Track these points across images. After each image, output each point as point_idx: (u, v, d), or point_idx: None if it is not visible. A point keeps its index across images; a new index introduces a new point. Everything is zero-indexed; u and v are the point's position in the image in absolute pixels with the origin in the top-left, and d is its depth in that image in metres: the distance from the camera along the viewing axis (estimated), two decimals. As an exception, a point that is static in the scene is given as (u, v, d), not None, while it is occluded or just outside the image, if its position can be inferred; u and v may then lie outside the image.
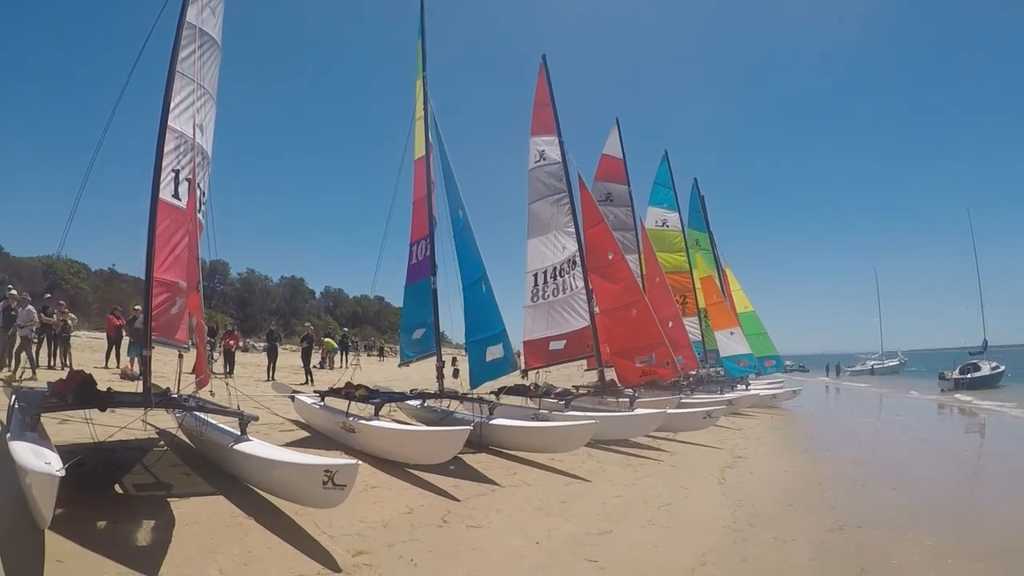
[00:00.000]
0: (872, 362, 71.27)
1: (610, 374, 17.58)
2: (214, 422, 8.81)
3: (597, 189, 22.70)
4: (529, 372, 17.19)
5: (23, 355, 17.16)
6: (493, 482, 9.18)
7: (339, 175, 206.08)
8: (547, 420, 12.71)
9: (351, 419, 10.79)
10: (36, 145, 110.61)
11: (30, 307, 17.56)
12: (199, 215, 9.30)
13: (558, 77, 19.11)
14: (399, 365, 14.91)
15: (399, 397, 12.61)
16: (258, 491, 7.36)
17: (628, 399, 15.38)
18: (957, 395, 34.74)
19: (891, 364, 69.90)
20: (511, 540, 6.70)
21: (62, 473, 4.98)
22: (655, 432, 13.74)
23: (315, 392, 13.51)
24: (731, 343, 27.45)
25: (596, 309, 17.07)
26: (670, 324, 19.40)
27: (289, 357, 30.75)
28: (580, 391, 16.41)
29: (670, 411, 14.46)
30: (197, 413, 8.59)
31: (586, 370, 19.29)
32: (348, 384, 12.50)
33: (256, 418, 8.48)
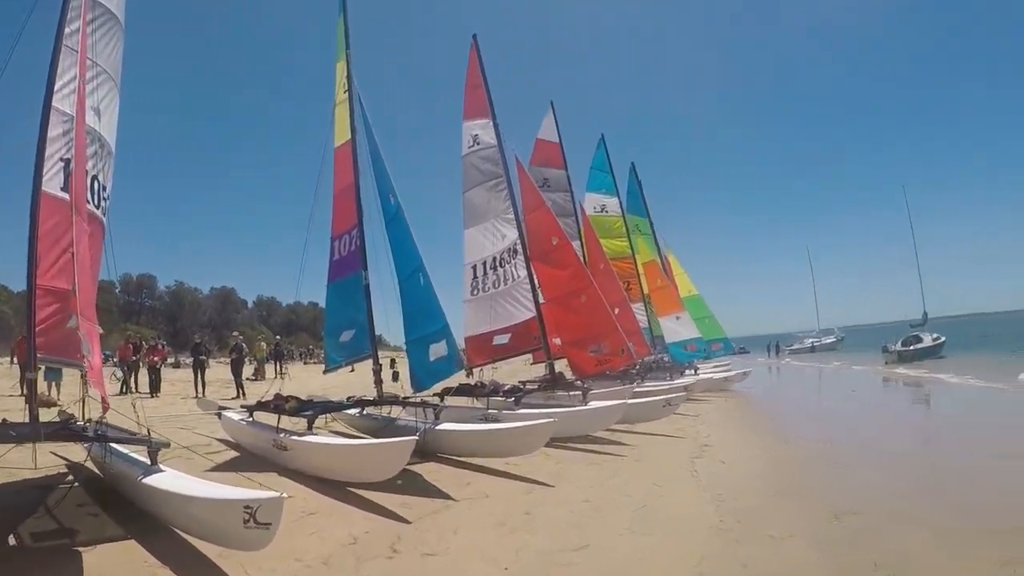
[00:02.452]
0: (811, 340, 72.19)
1: (558, 366, 16.66)
2: (123, 450, 7.53)
3: (533, 175, 21.61)
4: (473, 370, 16.14)
5: None
6: (446, 495, 8.15)
7: (263, 177, 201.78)
8: (497, 420, 11.73)
9: (282, 435, 9.71)
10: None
11: None
12: (99, 212, 8.12)
13: (491, 59, 18.22)
14: (324, 372, 13.70)
15: (335, 407, 11.50)
16: (177, 531, 6.13)
17: (580, 392, 14.41)
18: (902, 368, 35.02)
19: (829, 341, 70.80)
20: (474, 568, 5.68)
21: None
22: (613, 424, 12.84)
23: (243, 407, 12.31)
24: (677, 328, 26.87)
25: (542, 299, 16.14)
26: (616, 311, 18.52)
27: (220, 371, 29.39)
28: (528, 386, 15.44)
29: (631, 402, 13.57)
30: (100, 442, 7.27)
31: (532, 363, 18.41)
32: (277, 396, 11.29)
33: (167, 444, 7.13)
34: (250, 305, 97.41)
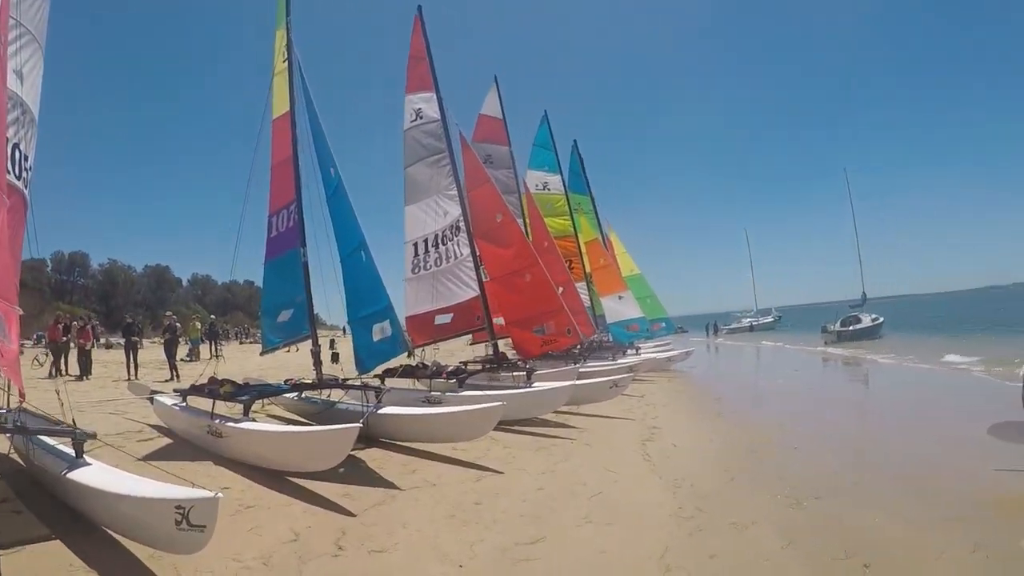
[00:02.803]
0: (749, 319, 73.35)
1: (500, 346, 16.33)
2: (49, 441, 6.94)
3: (476, 151, 21.23)
4: (415, 350, 15.66)
5: None
6: (392, 484, 7.76)
7: (199, 151, 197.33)
8: (441, 403, 11.42)
9: (217, 421, 9.18)
10: None
11: None
12: (20, 184, 7.51)
13: (435, 32, 17.71)
14: (261, 354, 13.13)
15: (272, 391, 11.06)
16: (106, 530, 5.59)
17: (525, 373, 14.08)
18: (839, 348, 35.65)
19: (767, 321, 72.01)
20: (428, 567, 5.31)
21: None
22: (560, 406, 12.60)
23: (176, 391, 11.72)
24: (620, 307, 26.83)
25: (486, 277, 15.77)
26: (561, 290, 18.24)
27: (154, 351, 28.50)
28: (472, 367, 15.06)
29: (578, 383, 13.30)
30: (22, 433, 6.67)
31: (471, 343, 18.08)
32: (212, 379, 10.79)
33: (93, 435, 6.51)
34: (185, 283, 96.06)
